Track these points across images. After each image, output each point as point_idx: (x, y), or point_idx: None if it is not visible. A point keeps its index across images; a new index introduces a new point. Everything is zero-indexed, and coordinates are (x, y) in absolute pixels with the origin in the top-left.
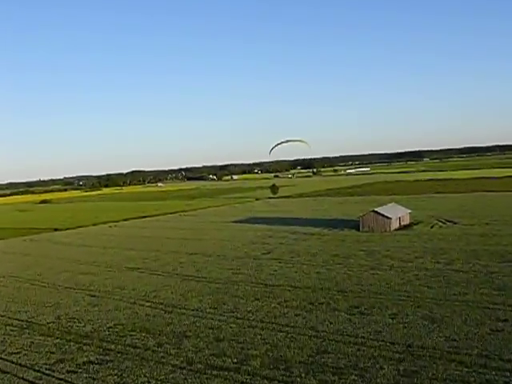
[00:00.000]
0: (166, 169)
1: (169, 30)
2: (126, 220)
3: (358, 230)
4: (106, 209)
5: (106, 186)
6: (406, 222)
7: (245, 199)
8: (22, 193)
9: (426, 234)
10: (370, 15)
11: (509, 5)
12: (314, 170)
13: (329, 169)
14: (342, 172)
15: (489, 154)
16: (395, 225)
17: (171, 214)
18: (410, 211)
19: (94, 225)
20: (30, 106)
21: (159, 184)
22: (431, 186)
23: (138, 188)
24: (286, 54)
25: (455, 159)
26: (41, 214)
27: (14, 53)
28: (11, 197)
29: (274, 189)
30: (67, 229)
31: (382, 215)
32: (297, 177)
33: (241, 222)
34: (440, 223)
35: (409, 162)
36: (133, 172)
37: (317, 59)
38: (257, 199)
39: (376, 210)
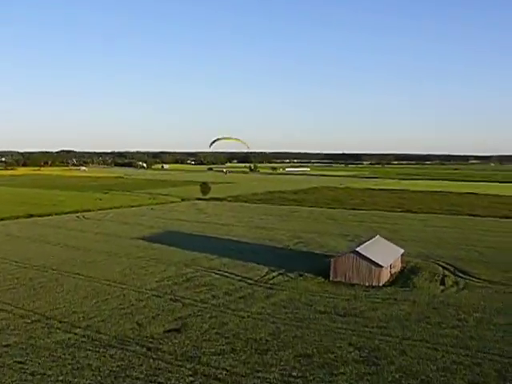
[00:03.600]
0: (98, 151)
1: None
2: (3, 219)
3: (327, 277)
4: None
5: (24, 164)
6: (398, 268)
7: (169, 197)
8: None
9: (443, 301)
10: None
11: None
12: (252, 165)
13: (266, 165)
14: (281, 170)
15: (428, 162)
16: (386, 276)
17: (69, 213)
18: (402, 251)
19: None
20: None
21: (82, 168)
22: (393, 199)
23: (57, 171)
24: (233, 41)
25: (396, 165)
26: None
27: None
28: None
29: (204, 188)
30: None
31: (369, 260)
32: (228, 172)
33: (152, 239)
34: (451, 275)
35: (350, 165)
36: (61, 151)
37: (265, 51)
38: (183, 199)
39: (358, 250)
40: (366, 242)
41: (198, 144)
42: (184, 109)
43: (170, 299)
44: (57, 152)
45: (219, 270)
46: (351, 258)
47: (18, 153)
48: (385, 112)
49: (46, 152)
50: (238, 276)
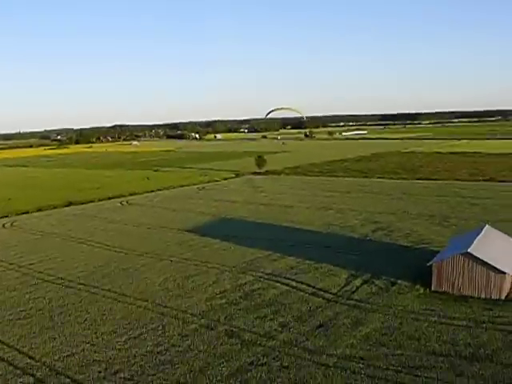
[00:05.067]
0: (150, 123)
1: None
2: (41, 210)
3: (428, 286)
4: (32, 183)
5: (77, 142)
6: None
7: (222, 173)
8: None
9: None
10: None
11: None
12: (307, 131)
13: (321, 130)
14: (338, 135)
15: (491, 119)
16: (509, 284)
17: (113, 198)
18: None
19: None
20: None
21: (133, 142)
22: (468, 165)
23: (108, 146)
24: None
25: (457, 123)
26: None
27: None
28: None
29: (260, 161)
30: None
31: (487, 265)
32: (283, 142)
33: (202, 231)
34: None
35: (408, 126)
36: (114, 126)
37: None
38: (237, 175)
39: (470, 251)
40: (474, 235)
41: (251, 111)
42: (235, 75)
43: (225, 332)
44: (110, 127)
45: (286, 278)
46: (461, 261)
47: (74, 130)
48: (441, 68)
49: (98, 127)
50: (311, 287)
